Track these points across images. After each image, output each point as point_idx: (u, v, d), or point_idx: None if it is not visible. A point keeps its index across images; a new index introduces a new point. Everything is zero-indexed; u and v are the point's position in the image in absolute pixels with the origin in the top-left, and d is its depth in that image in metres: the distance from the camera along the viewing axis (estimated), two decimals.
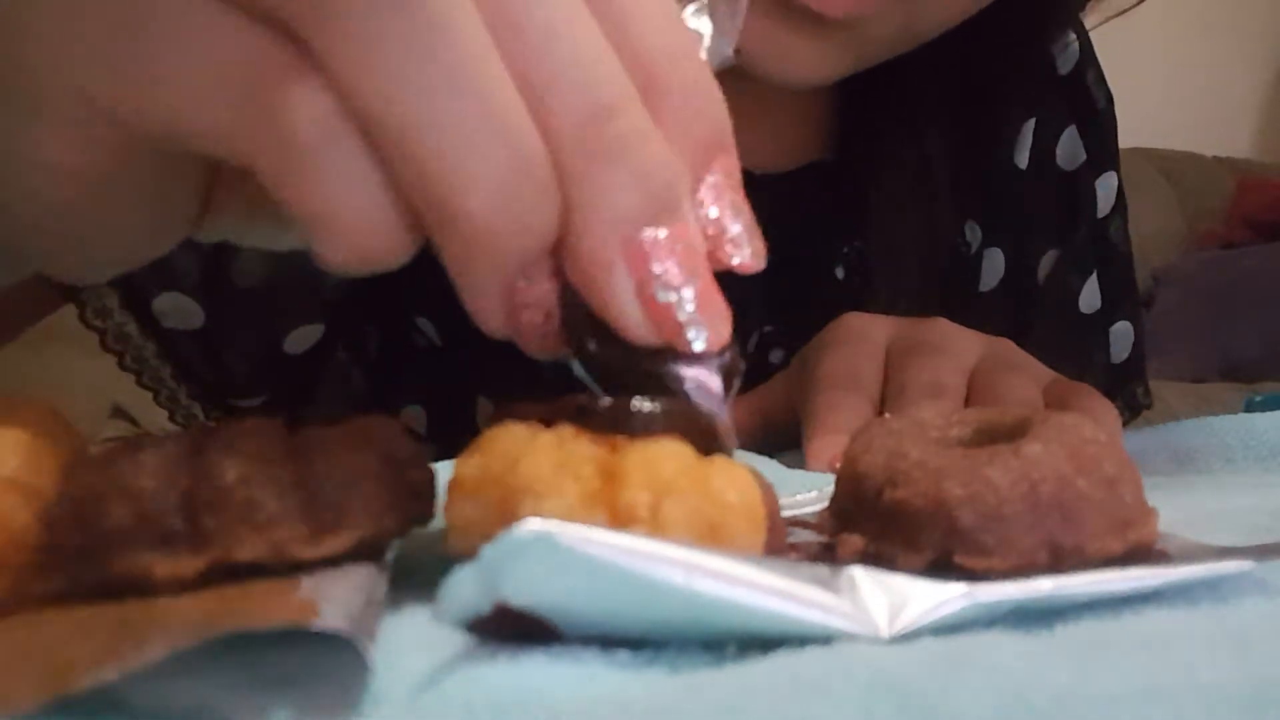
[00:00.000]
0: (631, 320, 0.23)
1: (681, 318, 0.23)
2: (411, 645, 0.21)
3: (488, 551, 0.20)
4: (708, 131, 0.25)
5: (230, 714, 0.18)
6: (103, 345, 0.56)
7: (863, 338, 0.49)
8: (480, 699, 0.19)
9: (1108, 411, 0.48)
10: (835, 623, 0.21)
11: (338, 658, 0.19)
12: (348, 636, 0.19)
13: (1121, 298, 0.73)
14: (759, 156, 0.63)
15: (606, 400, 0.23)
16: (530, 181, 0.22)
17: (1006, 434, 0.26)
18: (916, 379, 0.45)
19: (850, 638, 0.21)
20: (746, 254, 0.25)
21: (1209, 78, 3.06)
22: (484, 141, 0.21)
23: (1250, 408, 0.62)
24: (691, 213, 0.23)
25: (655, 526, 0.22)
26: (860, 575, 0.22)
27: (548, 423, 0.23)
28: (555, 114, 0.22)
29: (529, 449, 0.22)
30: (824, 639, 0.21)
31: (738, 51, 0.53)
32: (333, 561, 0.22)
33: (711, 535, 0.22)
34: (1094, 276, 0.71)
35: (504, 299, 0.23)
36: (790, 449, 0.49)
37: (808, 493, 0.35)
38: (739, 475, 0.23)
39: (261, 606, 0.20)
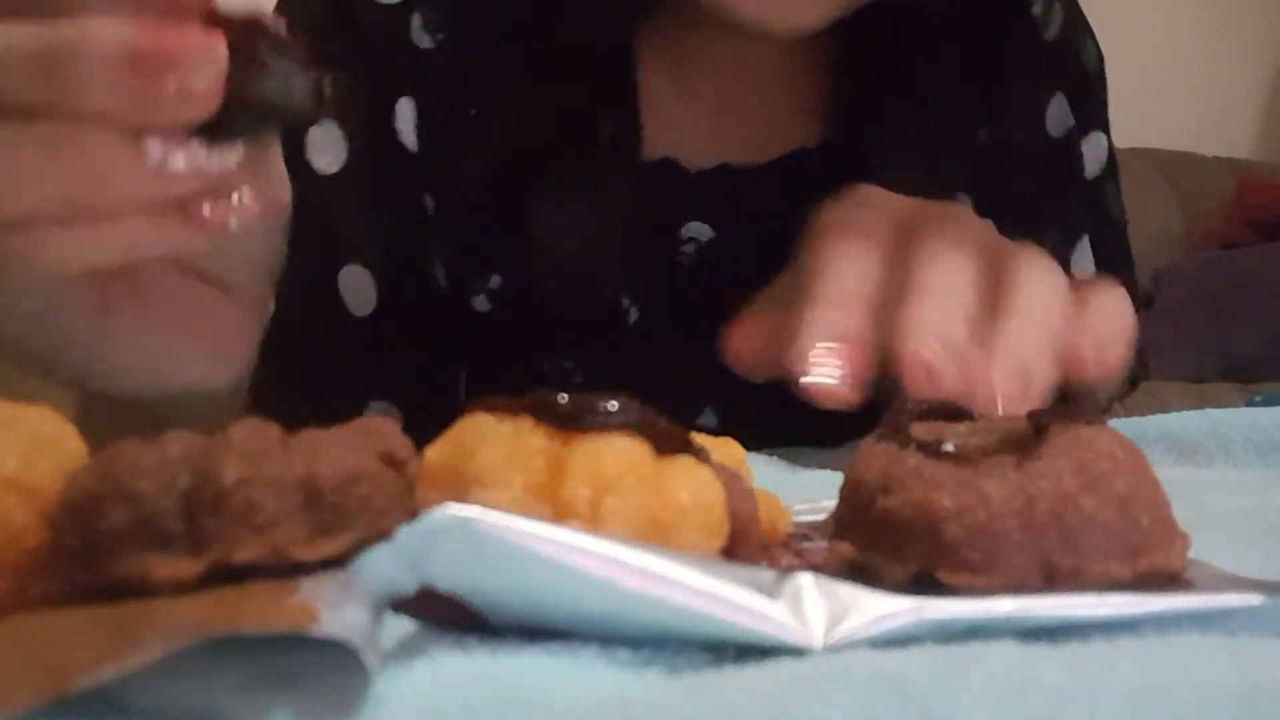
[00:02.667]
0: None
1: None
2: (411, 646, 0.21)
3: (404, 532, 0.20)
4: None
5: (230, 714, 0.18)
6: None
7: (873, 200, 0.48)
8: (480, 699, 0.19)
9: (1047, 269, 0.45)
10: (764, 628, 0.21)
11: (338, 658, 0.19)
12: (346, 643, 0.19)
13: (1115, 264, 0.70)
14: (743, 148, 0.62)
15: (568, 396, 0.23)
16: None
17: (1030, 444, 0.24)
18: (931, 282, 0.43)
19: (784, 646, 0.21)
20: None
21: (1209, 78, 3.06)
22: None
23: (1251, 408, 0.62)
24: None
25: (594, 521, 0.22)
26: (807, 583, 0.22)
27: (514, 415, 0.23)
28: None
29: (485, 440, 0.23)
30: (756, 645, 0.20)
31: (718, 5, 0.52)
32: (332, 563, 0.22)
33: (659, 534, 0.22)
34: (1085, 241, 0.69)
35: None
36: (802, 445, 0.49)
37: (829, 501, 0.35)
38: (696, 476, 0.23)
39: (260, 610, 0.20)
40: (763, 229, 0.61)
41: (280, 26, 0.33)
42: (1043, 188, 0.68)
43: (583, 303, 0.59)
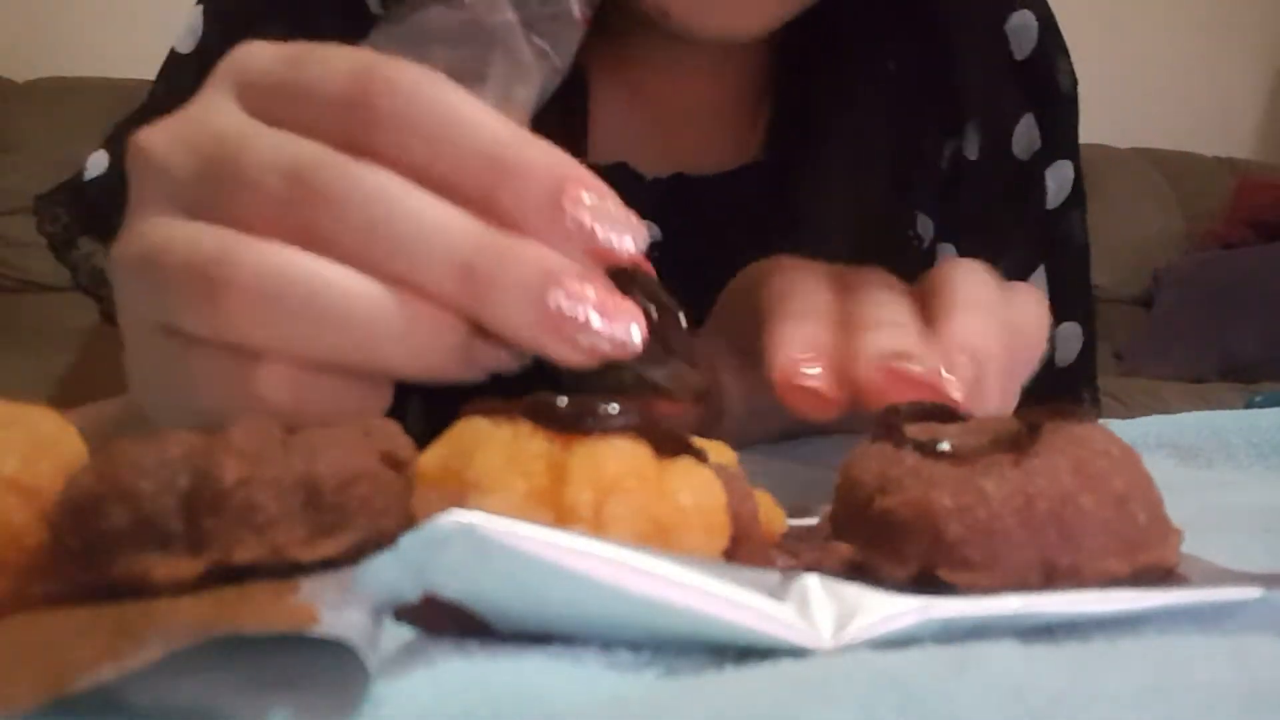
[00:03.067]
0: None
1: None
2: (411, 648, 0.21)
3: (407, 539, 0.20)
4: None
5: (230, 714, 0.18)
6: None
7: (802, 263, 0.45)
8: (480, 699, 0.19)
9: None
10: (772, 629, 0.20)
11: (337, 658, 0.19)
12: (346, 643, 0.19)
13: (1071, 298, 0.68)
14: (695, 157, 0.61)
15: (566, 399, 0.23)
16: None
17: (1025, 443, 0.24)
18: (877, 316, 0.40)
19: (793, 647, 0.20)
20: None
21: (1209, 78, 3.06)
22: None
23: (1251, 408, 0.62)
24: None
25: (597, 525, 0.22)
26: (813, 584, 0.22)
27: (512, 419, 0.23)
28: None
29: (483, 444, 0.23)
30: (765, 647, 0.20)
31: (665, 14, 0.51)
32: (332, 563, 0.22)
33: (661, 537, 0.22)
34: (1040, 272, 0.67)
35: None
36: (799, 437, 0.48)
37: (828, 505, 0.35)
38: (698, 478, 0.23)
39: (260, 610, 0.20)
40: (710, 239, 0.60)
41: (683, 322, 0.31)
42: (1001, 213, 0.66)
43: None
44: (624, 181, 0.60)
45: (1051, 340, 0.67)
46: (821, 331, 0.38)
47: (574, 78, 0.58)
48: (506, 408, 0.23)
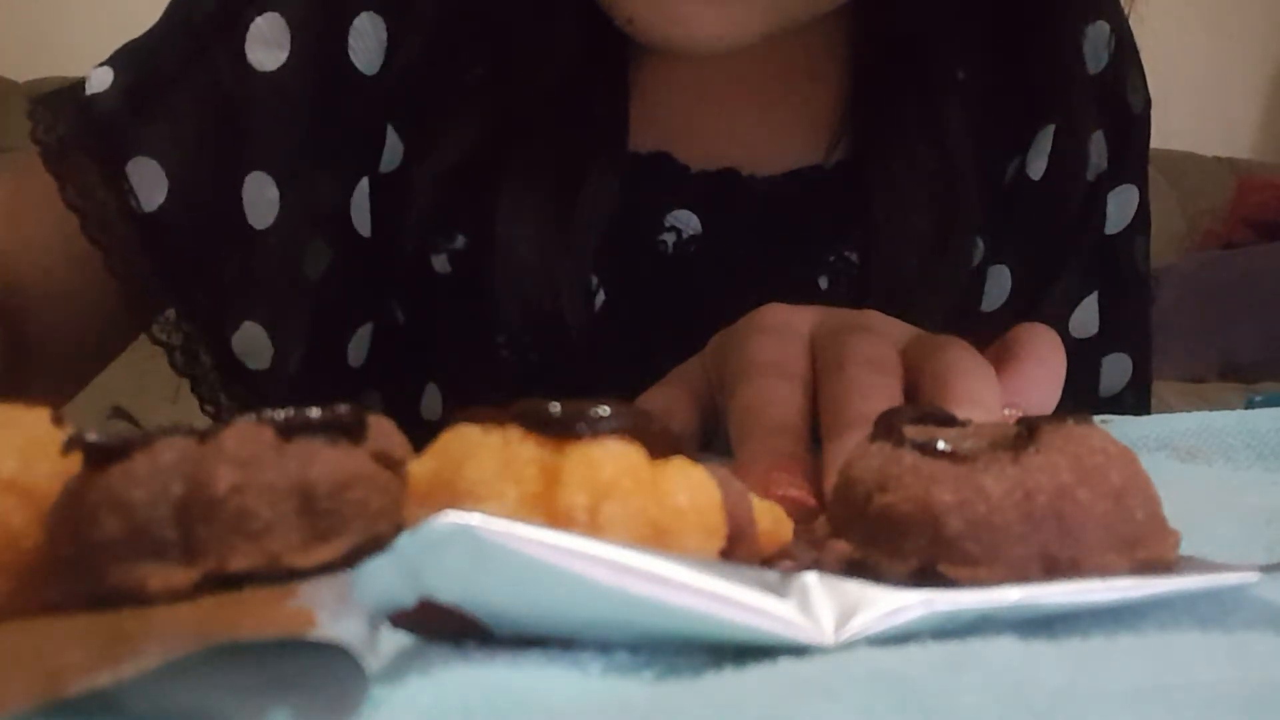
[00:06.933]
0: None
1: None
2: (409, 650, 0.21)
3: (404, 541, 0.20)
4: None
5: (228, 717, 0.18)
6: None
7: (785, 325, 0.44)
8: (480, 700, 0.19)
9: (970, 355, 0.41)
10: (774, 627, 0.20)
11: (336, 662, 0.19)
12: (344, 646, 0.19)
13: (1124, 328, 0.65)
14: (750, 156, 0.60)
15: (557, 404, 0.23)
16: None
17: (1023, 444, 0.25)
18: (855, 353, 0.40)
19: (796, 645, 0.20)
20: None
21: (1209, 78, 3.06)
22: None
23: (1250, 408, 0.61)
24: None
25: (594, 528, 0.21)
26: (813, 581, 0.22)
27: (501, 425, 0.23)
28: None
29: (473, 452, 0.22)
30: (769, 645, 0.20)
31: (629, 20, 0.51)
32: (330, 567, 0.22)
33: (658, 538, 0.22)
34: (1092, 299, 0.64)
35: None
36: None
37: None
38: (693, 478, 0.23)
39: (257, 616, 0.20)
40: (754, 236, 0.59)
41: None
42: (1059, 236, 0.64)
43: (540, 302, 0.56)
44: (667, 171, 0.59)
45: (1096, 369, 0.65)
46: (796, 446, 0.38)
47: (614, 66, 0.57)
48: (496, 414, 0.23)
